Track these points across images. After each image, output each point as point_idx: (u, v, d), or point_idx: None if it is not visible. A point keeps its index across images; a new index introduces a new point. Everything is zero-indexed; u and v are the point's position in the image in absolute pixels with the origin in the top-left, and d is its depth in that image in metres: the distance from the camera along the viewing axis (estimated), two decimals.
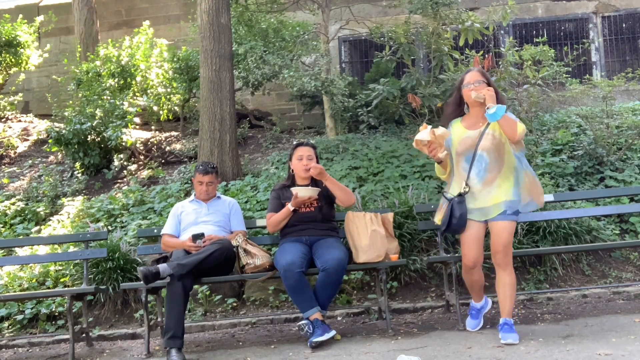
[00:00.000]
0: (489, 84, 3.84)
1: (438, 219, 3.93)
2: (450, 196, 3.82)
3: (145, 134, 9.41)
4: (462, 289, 4.59)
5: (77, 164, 8.40)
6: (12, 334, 5.28)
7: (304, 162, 4.50)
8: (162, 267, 4.06)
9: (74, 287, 5.20)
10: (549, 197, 4.91)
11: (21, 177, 8.63)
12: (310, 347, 3.95)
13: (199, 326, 5.01)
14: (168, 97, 9.31)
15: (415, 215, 5.44)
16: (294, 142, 4.86)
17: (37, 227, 6.88)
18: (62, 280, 5.57)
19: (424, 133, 3.70)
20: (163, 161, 8.58)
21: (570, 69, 7.18)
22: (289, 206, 4.35)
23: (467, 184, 3.77)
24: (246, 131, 9.39)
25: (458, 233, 3.92)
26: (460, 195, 3.77)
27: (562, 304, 4.83)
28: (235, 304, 5.42)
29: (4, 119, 10.61)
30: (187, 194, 6.84)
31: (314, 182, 4.51)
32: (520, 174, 3.76)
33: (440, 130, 3.69)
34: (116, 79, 9.16)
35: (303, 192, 4.29)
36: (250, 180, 7.06)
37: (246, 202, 6.40)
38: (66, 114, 8.70)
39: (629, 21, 10.40)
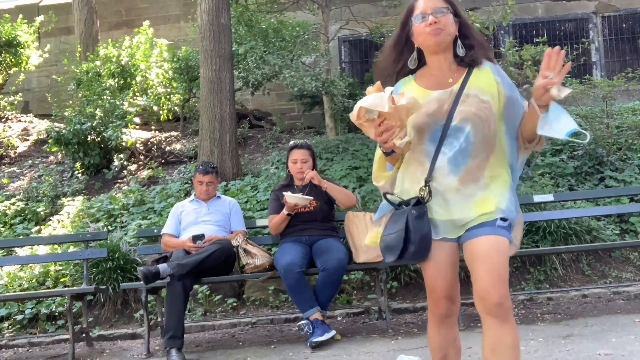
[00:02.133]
0: (455, 15, 2.19)
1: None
2: (397, 200, 2.19)
3: (145, 134, 9.40)
4: (463, 288, 4.58)
5: (77, 164, 8.39)
6: (12, 334, 5.28)
7: (298, 165, 4.50)
8: (162, 267, 4.06)
9: (74, 287, 5.20)
10: (549, 197, 4.93)
11: (21, 177, 8.63)
12: (310, 347, 3.95)
13: (199, 326, 5.01)
14: (168, 97, 9.31)
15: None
16: (290, 143, 4.85)
17: (37, 227, 6.88)
18: (62, 280, 5.57)
19: (377, 98, 1.98)
20: (163, 161, 8.57)
21: (570, 68, 7.17)
22: (284, 211, 4.35)
23: (428, 181, 2.12)
24: (246, 131, 9.39)
25: (415, 262, 2.54)
26: (419, 202, 2.10)
27: (562, 304, 4.83)
28: (235, 304, 5.42)
29: (4, 119, 10.61)
30: (187, 194, 6.84)
31: (312, 183, 4.50)
32: (514, 184, 2.22)
33: (406, 98, 1.99)
34: (116, 79, 9.16)
35: (291, 199, 4.26)
36: (250, 180, 7.06)
37: (246, 202, 6.41)
38: (66, 114, 8.70)
39: (629, 21, 10.40)
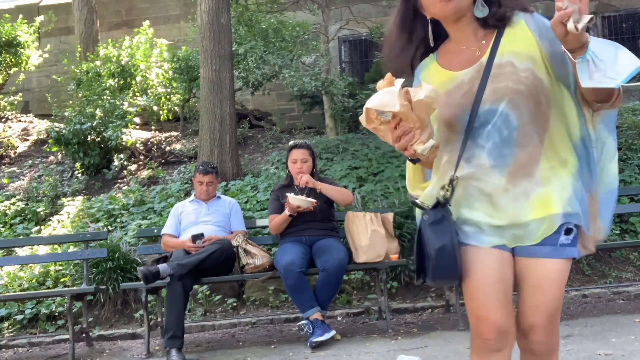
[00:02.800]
0: None
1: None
2: (422, 204, 1.68)
3: (145, 134, 9.41)
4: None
5: (77, 164, 8.40)
6: (12, 334, 5.28)
7: (298, 165, 4.50)
8: (162, 267, 4.06)
9: (74, 287, 5.20)
10: None
11: (21, 177, 8.63)
12: (310, 347, 3.95)
13: (199, 326, 5.01)
14: (168, 97, 9.31)
15: (415, 215, 5.43)
16: (290, 143, 4.85)
17: (37, 227, 6.88)
18: (62, 280, 5.57)
19: (386, 95, 1.53)
20: (163, 161, 8.58)
21: None
22: (286, 212, 4.35)
23: (453, 179, 1.64)
24: (246, 131, 9.39)
25: (448, 281, 1.73)
26: (438, 204, 1.64)
27: (562, 304, 4.82)
28: (235, 304, 5.42)
29: (4, 119, 10.61)
30: (187, 194, 6.84)
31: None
32: (592, 161, 1.65)
33: (424, 91, 1.52)
34: (116, 79, 9.17)
35: (295, 201, 4.26)
36: (250, 180, 7.06)
37: (246, 202, 6.41)
38: (66, 114, 8.70)
39: (629, 21, 10.40)
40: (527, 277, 1.61)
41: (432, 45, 1.70)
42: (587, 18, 1.37)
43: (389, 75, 1.54)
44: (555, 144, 1.60)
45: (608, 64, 1.38)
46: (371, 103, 1.52)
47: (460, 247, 1.60)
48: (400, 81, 1.51)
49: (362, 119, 1.57)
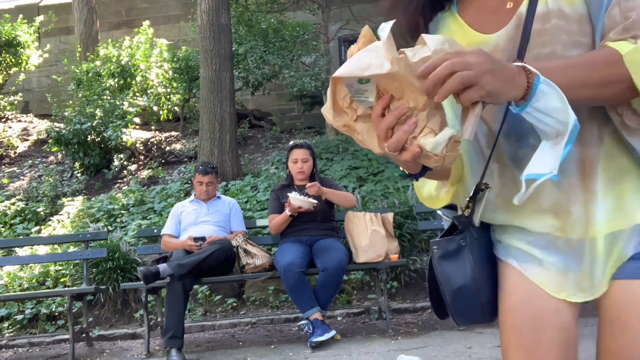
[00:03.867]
0: None
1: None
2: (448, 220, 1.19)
3: (145, 134, 9.41)
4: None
5: (77, 164, 8.40)
6: (12, 334, 5.28)
7: (299, 165, 4.50)
8: (162, 267, 4.06)
9: (74, 287, 5.20)
10: None
11: (21, 177, 8.63)
12: (310, 347, 3.95)
13: (199, 326, 5.01)
14: (168, 97, 9.31)
15: (415, 215, 5.44)
16: (290, 143, 4.85)
17: (37, 227, 6.88)
18: (62, 280, 5.57)
19: (366, 56, 0.87)
20: (163, 161, 8.58)
21: None
22: (287, 212, 4.35)
23: (479, 190, 1.09)
24: (246, 131, 9.39)
25: (479, 323, 1.18)
26: (453, 228, 1.14)
27: None
28: (235, 304, 5.42)
29: (4, 119, 10.61)
30: (187, 194, 6.84)
31: (313, 179, 4.50)
32: None
33: (433, 42, 0.87)
34: (116, 79, 9.17)
35: (296, 202, 4.25)
36: (250, 180, 7.07)
37: (246, 202, 6.41)
38: (66, 114, 8.71)
39: None
40: (605, 308, 1.14)
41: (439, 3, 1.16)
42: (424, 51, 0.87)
43: (366, 29, 0.94)
44: (619, 138, 1.03)
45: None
46: (342, 70, 0.87)
47: (502, 264, 1.10)
48: (387, 26, 0.87)
49: (325, 110, 0.94)
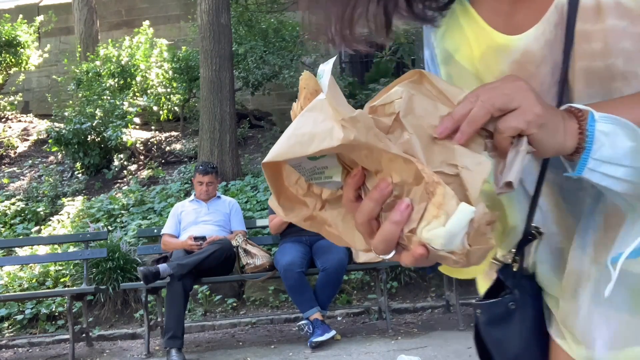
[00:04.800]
0: None
1: None
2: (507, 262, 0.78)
3: (145, 134, 9.41)
4: (462, 289, 4.59)
5: (77, 164, 8.40)
6: (12, 334, 5.28)
7: None
8: (162, 267, 4.06)
9: (74, 287, 5.20)
10: None
11: (21, 177, 8.63)
12: (310, 347, 3.95)
13: (199, 326, 5.01)
14: (168, 97, 9.31)
15: None
16: None
17: (37, 227, 6.88)
18: (62, 280, 5.57)
19: (310, 117, 0.56)
20: (163, 161, 8.58)
21: None
22: None
23: (529, 239, 0.75)
24: (246, 131, 9.39)
25: None
26: (500, 286, 0.78)
27: None
28: (235, 304, 5.42)
29: (4, 119, 10.61)
30: (187, 194, 6.84)
31: None
32: None
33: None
34: (116, 79, 9.17)
35: None
36: (250, 180, 7.07)
37: (246, 202, 6.41)
38: (66, 114, 8.70)
39: None
40: None
41: None
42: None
43: (305, 75, 0.67)
44: None
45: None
46: (276, 151, 0.59)
47: (554, 344, 0.80)
48: (327, 66, 0.57)
49: (273, 204, 0.65)
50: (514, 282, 0.77)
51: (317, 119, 0.55)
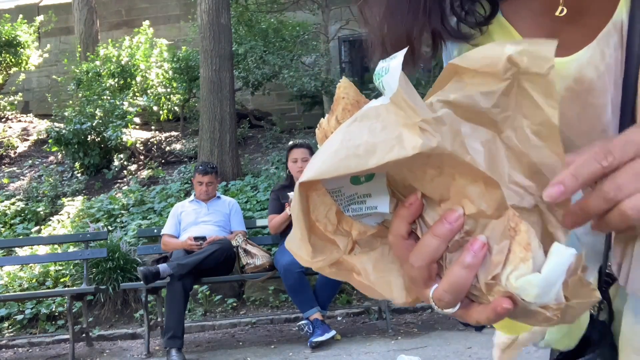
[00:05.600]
0: None
1: None
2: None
3: (145, 134, 9.41)
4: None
5: (77, 164, 8.40)
6: (12, 334, 5.28)
7: (299, 164, 4.51)
8: (162, 267, 4.06)
9: (74, 287, 5.20)
10: None
11: (21, 177, 8.63)
12: (310, 347, 3.95)
13: (199, 326, 5.01)
14: (168, 97, 9.31)
15: None
16: (289, 144, 4.86)
17: (37, 227, 6.88)
18: (62, 280, 5.57)
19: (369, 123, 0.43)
20: (163, 161, 8.58)
21: None
22: (287, 210, 4.35)
23: (608, 282, 0.62)
24: (246, 131, 9.39)
25: None
26: (596, 321, 0.64)
27: None
28: (235, 304, 5.42)
29: (4, 119, 10.61)
30: (187, 194, 6.84)
31: None
32: None
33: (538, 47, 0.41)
34: (116, 79, 9.17)
35: None
36: (250, 180, 7.07)
37: (246, 202, 6.41)
38: (66, 114, 8.71)
39: None
40: None
41: None
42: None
43: (343, 82, 0.52)
44: None
45: None
46: (317, 168, 0.43)
47: None
48: (397, 61, 0.44)
49: (295, 245, 0.48)
50: (599, 332, 0.63)
51: (373, 128, 0.42)
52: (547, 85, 0.41)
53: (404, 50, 0.45)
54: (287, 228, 4.44)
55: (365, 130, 0.42)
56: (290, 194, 4.29)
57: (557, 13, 0.59)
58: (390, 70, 0.43)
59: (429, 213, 0.45)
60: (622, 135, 0.45)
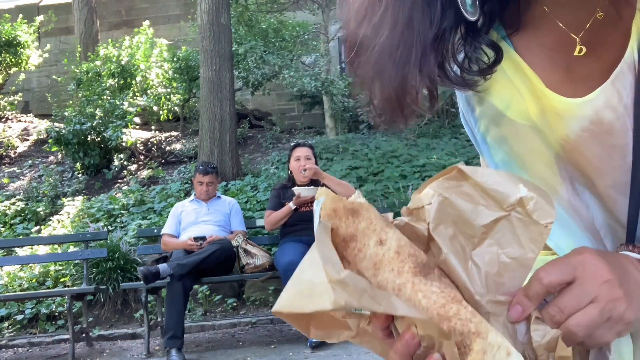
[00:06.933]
0: None
1: None
2: None
3: (145, 134, 9.41)
4: None
5: (77, 164, 8.40)
6: (12, 334, 5.28)
7: (302, 162, 4.51)
8: (162, 267, 4.06)
9: (74, 287, 5.20)
10: None
11: (21, 177, 8.63)
12: (310, 347, 3.95)
13: (199, 326, 5.01)
14: (168, 97, 9.31)
15: None
16: (292, 143, 4.87)
17: (37, 227, 6.88)
18: (62, 280, 5.57)
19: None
20: (163, 161, 8.58)
21: None
22: (290, 204, 4.35)
23: None
24: (246, 131, 9.39)
25: None
26: None
27: None
28: (235, 304, 5.42)
29: (4, 119, 10.61)
30: (187, 194, 6.84)
31: (313, 182, 4.51)
32: None
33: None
34: (116, 79, 9.17)
35: (305, 192, 4.29)
36: (250, 180, 7.07)
37: (246, 202, 6.41)
38: (66, 114, 8.71)
39: None
40: None
41: (472, 18, 0.59)
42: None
43: (321, 191, 0.54)
44: None
45: None
46: (282, 303, 0.48)
47: None
48: (317, 206, 0.53)
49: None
50: None
51: (313, 272, 0.45)
52: (539, 234, 0.47)
53: (323, 198, 0.50)
54: (288, 228, 4.44)
55: (309, 268, 0.45)
56: (296, 189, 4.32)
57: (576, 53, 0.58)
58: (315, 214, 0.50)
59: (399, 320, 0.50)
60: (563, 257, 0.50)
